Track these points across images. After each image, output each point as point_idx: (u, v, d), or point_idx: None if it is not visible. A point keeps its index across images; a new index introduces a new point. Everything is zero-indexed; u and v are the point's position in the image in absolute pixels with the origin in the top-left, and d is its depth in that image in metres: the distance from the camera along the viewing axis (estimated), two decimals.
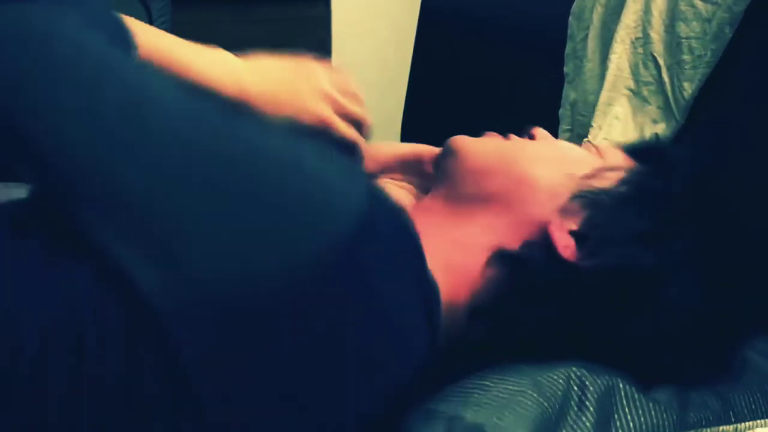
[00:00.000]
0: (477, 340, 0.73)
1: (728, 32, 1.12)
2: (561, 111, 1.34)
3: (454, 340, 0.72)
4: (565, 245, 0.71)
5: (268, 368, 0.63)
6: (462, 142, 0.79)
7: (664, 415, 0.77)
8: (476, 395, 0.73)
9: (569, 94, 1.34)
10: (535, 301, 0.71)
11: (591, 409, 0.75)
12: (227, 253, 0.61)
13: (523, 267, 0.72)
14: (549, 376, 0.76)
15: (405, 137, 1.65)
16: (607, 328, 0.72)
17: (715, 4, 1.13)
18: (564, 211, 0.73)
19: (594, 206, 0.73)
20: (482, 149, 0.78)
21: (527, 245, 0.72)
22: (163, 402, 0.63)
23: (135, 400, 0.63)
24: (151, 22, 1.74)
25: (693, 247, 0.72)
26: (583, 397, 0.75)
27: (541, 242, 0.72)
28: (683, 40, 1.16)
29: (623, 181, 0.75)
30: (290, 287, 0.62)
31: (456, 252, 0.74)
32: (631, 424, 0.76)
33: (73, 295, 0.64)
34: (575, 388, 0.76)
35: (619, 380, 0.77)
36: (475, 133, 0.82)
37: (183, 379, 0.62)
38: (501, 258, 0.72)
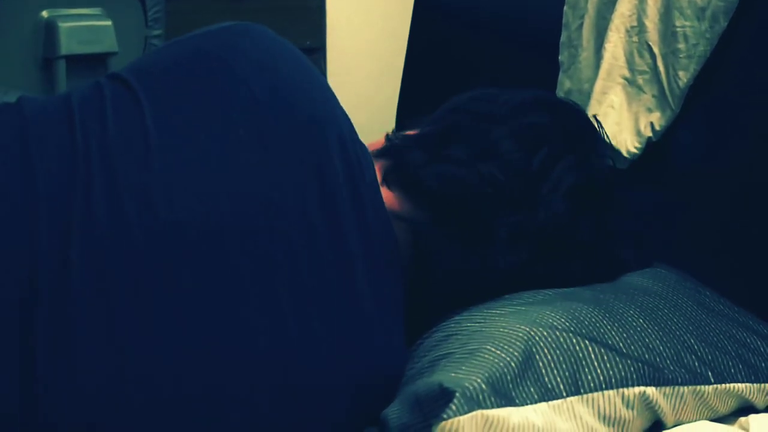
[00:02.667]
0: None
1: (723, 21, 1.12)
2: None
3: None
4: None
5: None
6: None
7: (632, 368, 0.79)
8: (442, 363, 0.79)
9: (564, 82, 1.34)
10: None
11: (555, 362, 0.77)
12: None
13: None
14: (506, 332, 0.80)
15: (400, 127, 1.65)
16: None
17: None
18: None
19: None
20: None
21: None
22: None
23: None
24: (145, 12, 1.74)
25: None
26: (547, 351, 0.78)
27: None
28: (678, 29, 1.16)
29: None
30: None
31: None
32: (601, 377, 0.77)
33: None
34: (540, 344, 0.78)
35: (579, 337, 0.80)
36: None
37: None
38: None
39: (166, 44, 0.95)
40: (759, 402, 0.86)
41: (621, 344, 0.81)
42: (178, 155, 0.80)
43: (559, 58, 1.35)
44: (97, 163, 0.78)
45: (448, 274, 0.90)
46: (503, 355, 0.76)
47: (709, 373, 0.83)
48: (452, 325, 0.85)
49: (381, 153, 0.97)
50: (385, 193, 0.91)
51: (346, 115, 0.91)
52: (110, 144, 0.79)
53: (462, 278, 0.90)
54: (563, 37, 1.35)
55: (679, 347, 0.84)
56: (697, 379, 0.83)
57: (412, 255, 0.90)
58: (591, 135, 1.00)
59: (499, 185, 0.90)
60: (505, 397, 0.73)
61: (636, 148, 1.22)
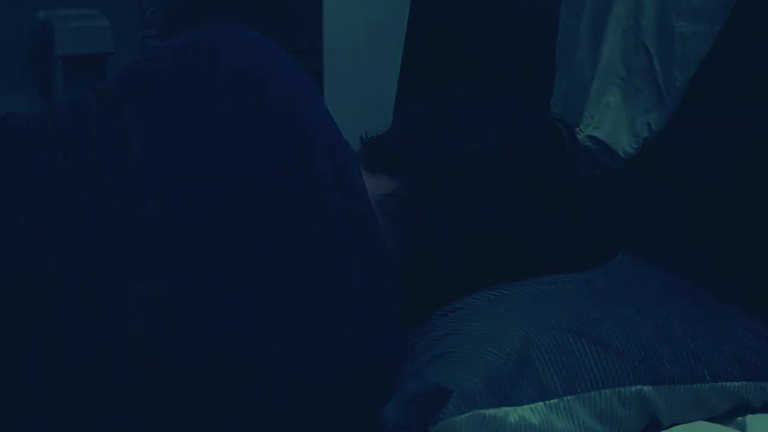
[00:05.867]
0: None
1: (719, 21, 1.12)
2: (553, 100, 1.34)
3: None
4: None
5: None
6: None
7: (628, 367, 0.79)
8: (439, 362, 0.79)
9: (561, 82, 1.34)
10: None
11: (552, 361, 0.77)
12: None
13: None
14: (504, 331, 0.80)
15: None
16: None
17: None
18: None
19: None
20: None
21: None
22: None
23: None
24: (142, 12, 1.74)
25: None
26: (544, 350, 0.78)
27: None
28: (675, 29, 1.16)
29: None
30: None
31: None
32: (598, 376, 0.78)
33: None
34: (537, 343, 0.78)
35: (575, 335, 0.79)
36: None
37: None
38: None
39: (149, 53, 0.96)
40: (755, 401, 0.86)
41: (617, 343, 0.81)
42: (162, 157, 0.81)
43: (556, 58, 1.35)
44: (84, 169, 0.79)
45: (445, 238, 0.91)
46: (500, 354, 0.77)
47: (706, 372, 0.84)
48: (449, 324, 0.86)
49: (361, 154, 1.00)
50: (374, 181, 0.93)
51: (332, 118, 0.92)
52: (95, 150, 0.80)
53: (458, 243, 0.91)
54: (560, 37, 1.35)
55: (675, 345, 0.84)
56: (693, 377, 0.83)
57: (409, 239, 0.91)
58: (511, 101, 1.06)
59: (476, 146, 0.96)
60: (503, 397, 0.73)
61: (632, 148, 1.22)
